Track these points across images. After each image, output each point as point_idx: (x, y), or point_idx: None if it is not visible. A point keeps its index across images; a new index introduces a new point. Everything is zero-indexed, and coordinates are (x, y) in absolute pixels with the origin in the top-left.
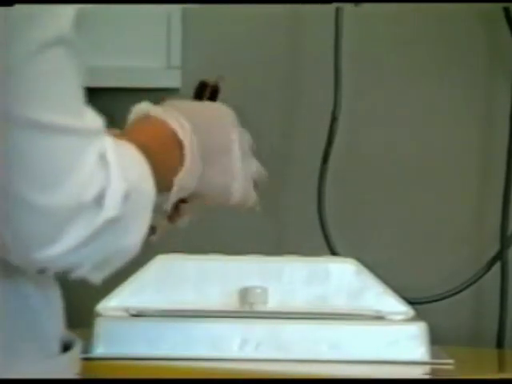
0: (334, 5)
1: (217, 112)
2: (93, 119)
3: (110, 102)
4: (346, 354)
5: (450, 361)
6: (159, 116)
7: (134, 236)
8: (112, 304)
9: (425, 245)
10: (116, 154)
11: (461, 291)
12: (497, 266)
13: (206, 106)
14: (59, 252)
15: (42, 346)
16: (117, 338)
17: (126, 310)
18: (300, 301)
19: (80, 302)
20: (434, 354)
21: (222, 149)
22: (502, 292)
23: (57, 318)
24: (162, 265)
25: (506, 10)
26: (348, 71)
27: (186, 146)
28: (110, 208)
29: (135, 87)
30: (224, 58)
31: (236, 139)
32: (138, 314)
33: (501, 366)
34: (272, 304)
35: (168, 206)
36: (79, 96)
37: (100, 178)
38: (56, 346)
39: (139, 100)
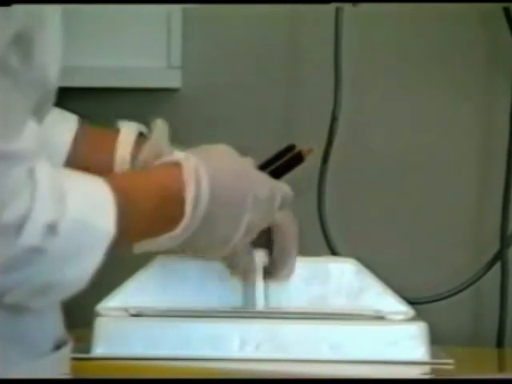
0: (334, 5)
1: (243, 167)
2: (23, 143)
3: (110, 101)
4: (346, 354)
5: (450, 361)
6: (184, 175)
7: (75, 273)
8: (112, 304)
9: (425, 245)
10: (50, 179)
11: (461, 291)
12: (497, 266)
13: (233, 158)
14: None
15: (28, 347)
16: (117, 338)
17: (126, 310)
18: (300, 301)
19: (80, 302)
20: (434, 354)
21: (235, 203)
22: (502, 292)
23: (49, 319)
24: (162, 265)
25: (506, 9)
26: (348, 71)
27: (186, 217)
28: (29, 237)
29: (135, 87)
30: (224, 58)
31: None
32: (138, 314)
33: (501, 366)
34: (272, 304)
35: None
36: (9, 118)
37: (23, 203)
38: (47, 347)
39: (139, 100)
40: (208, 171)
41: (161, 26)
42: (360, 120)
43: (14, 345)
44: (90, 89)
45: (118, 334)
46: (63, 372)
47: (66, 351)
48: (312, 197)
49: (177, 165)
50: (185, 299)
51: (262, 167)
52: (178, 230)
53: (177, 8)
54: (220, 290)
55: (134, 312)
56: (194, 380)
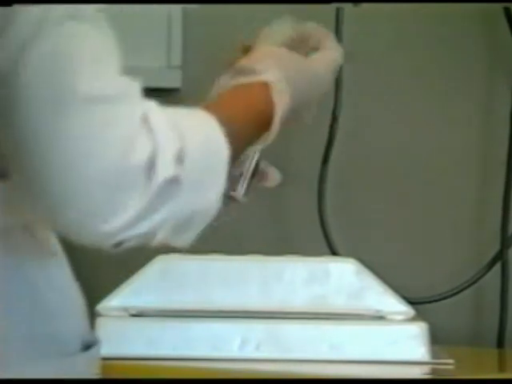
0: (334, 5)
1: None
2: (129, 84)
3: None
4: (346, 354)
5: (450, 361)
6: (275, 98)
7: (208, 196)
8: (112, 304)
9: (425, 245)
10: (163, 116)
11: (461, 291)
12: (497, 266)
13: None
14: (125, 221)
15: (57, 345)
16: (117, 337)
17: (126, 309)
18: (300, 301)
19: None
20: (434, 354)
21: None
22: (502, 292)
23: (75, 317)
24: (162, 265)
25: (506, 9)
26: (348, 71)
27: (271, 131)
28: (164, 169)
29: None
30: (224, 58)
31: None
32: (138, 314)
33: (501, 366)
34: (272, 304)
35: (247, 166)
36: (113, 64)
37: (146, 142)
38: (75, 346)
39: None
40: (290, 87)
41: (161, 25)
42: (360, 120)
43: (43, 342)
44: None
45: (118, 334)
46: (93, 372)
47: (96, 352)
48: (312, 197)
49: (266, 85)
50: (185, 299)
51: None
52: (262, 141)
53: (177, 8)
54: (220, 289)
55: (134, 312)
56: (194, 380)
